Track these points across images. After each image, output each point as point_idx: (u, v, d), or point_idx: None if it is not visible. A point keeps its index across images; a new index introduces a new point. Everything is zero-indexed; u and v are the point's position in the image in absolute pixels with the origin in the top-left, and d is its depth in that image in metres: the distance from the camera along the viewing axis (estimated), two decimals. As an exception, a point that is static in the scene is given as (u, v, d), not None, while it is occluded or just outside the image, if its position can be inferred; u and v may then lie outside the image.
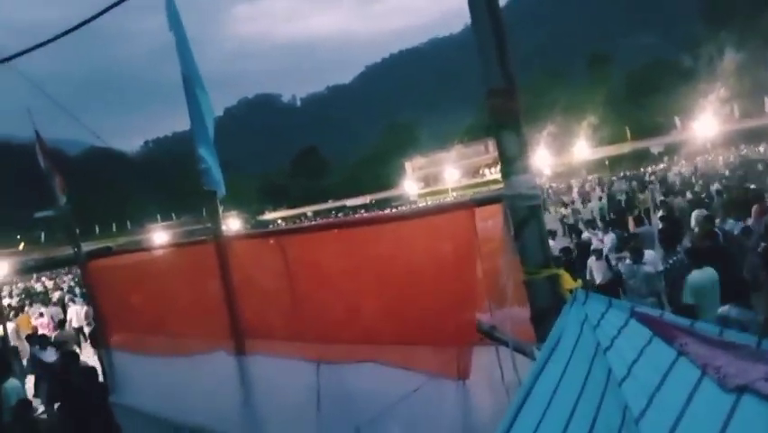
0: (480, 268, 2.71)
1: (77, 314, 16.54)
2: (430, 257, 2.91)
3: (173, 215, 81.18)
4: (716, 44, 60.44)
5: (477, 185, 66.13)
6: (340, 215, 73.84)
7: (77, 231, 6.05)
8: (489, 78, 2.43)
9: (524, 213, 2.45)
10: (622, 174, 48.54)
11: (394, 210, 59.96)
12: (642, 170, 49.07)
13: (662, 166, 48.27)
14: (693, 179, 29.16)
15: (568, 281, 2.47)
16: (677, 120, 57.92)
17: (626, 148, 60.44)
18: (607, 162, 59.78)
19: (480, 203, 2.68)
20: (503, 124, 2.42)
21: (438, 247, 2.87)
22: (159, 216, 79.38)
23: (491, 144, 70.81)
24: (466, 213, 2.68)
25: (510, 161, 2.45)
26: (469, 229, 2.66)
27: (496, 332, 2.56)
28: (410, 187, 75.80)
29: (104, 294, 5.70)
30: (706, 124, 47.27)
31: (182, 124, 4.41)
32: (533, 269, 2.45)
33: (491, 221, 2.63)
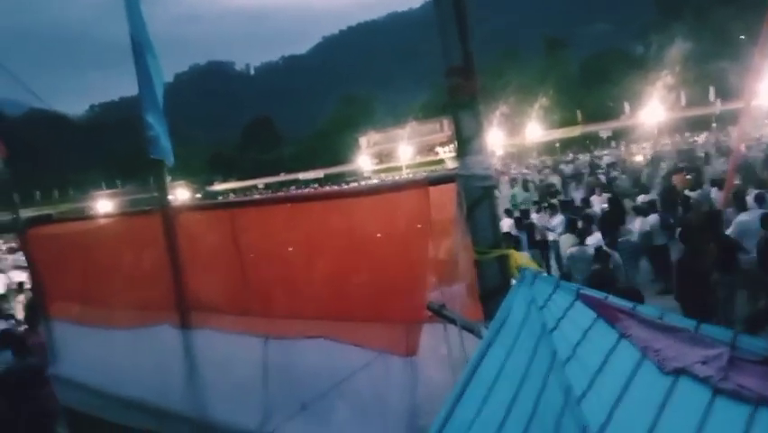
0: (431, 247, 2.72)
1: None
2: (382, 234, 2.91)
3: (118, 182, 78.83)
4: (667, 35, 62.09)
5: (431, 163, 66.60)
6: (292, 188, 73.27)
7: (17, 197, 5.77)
8: (449, 56, 2.41)
9: (477, 193, 2.46)
10: (570, 157, 49.72)
11: (348, 186, 59.90)
12: (590, 153, 50.34)
13: (606, 152, 49.54)
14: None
15: (517, 259, 2.51)
16: (626, 106, 59.51)
17: (576, 131, 61.87)
18: (557, 145, 61.07)
19: (434, 182, 2.68)
20: (460, 103, 2.42)
21: (391, 225, 2.86)
22: (103, 184, 76.95)
23: (446, 123, 71.45)
24: (420, 191, 2.67)
25: (466, 141, 2.45)
26: (422, 208, 2.65)
27: (445, 310, 2.58)
28: (364, 162, 75.69)
29: (44, 263, 5.48)
30: (653, 111, 48.73)
31: (131, 88, 4.23)
32: (483, 249, 2.47)
33: (444, 200, 2.63)
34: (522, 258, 2.42)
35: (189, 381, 3.93)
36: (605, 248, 8.55)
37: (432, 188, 2.65)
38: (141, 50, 4.09)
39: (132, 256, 4.62)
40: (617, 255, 8.46)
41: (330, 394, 2.89)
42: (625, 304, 2.06)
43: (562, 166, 39.58)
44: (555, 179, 28.28)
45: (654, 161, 27.99)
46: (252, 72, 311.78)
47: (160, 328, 4.17)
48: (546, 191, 21.96)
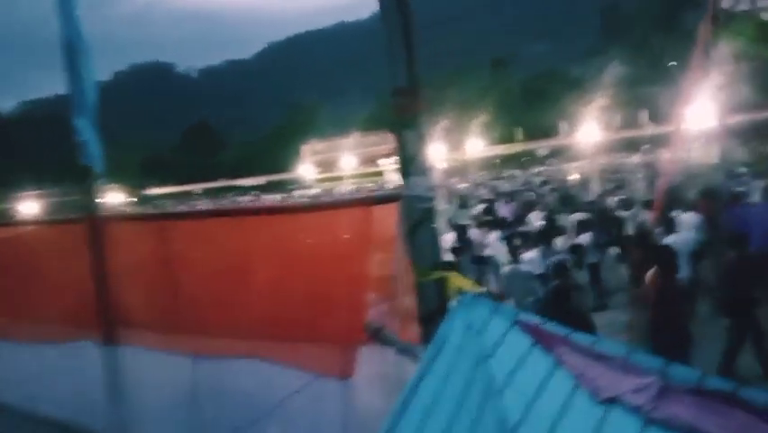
0: (371, 267, 2.67)
1: None
2: (321, 253, 2.84)
3: (48, 183, 75.32)
4: (606, 58, 64.79)
5: (373, 174, 66.78)
6: (231, 195, 71.92)
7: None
8: (395, 77, 2.38)
9: (419, 214, 2.43)
10: (505, 174, 50.97)
11: (289, 194, 59.28)
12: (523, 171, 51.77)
13: (541, 169, 51.01)
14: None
15: (456, 282, 2.49)
16: (563, 125, 61.56)
17: (516, 148, 63.47)
18: (498, 161, 62.46)
19: (377, 201, 2.64)
20: (405, 123, 2.39)
21: (330, 243, 2.80)
22: (30, 185, 73.29)
23: (389, 136, 71.75)
24: (362, 210, 2.63)
25: (410, 161, 2.42)
26: (363, 227, 2.61)
27: (383, 332, 2.53)
28: (307, 171, 75.20)
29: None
30: (588, 131, 50.52)
31: (65, 87, 4.01)
32: (424, 270, 2.44)
33: (386, 220, 2.59)
34: (461, 280, 2.40)
35: (112, 400, 3.73)
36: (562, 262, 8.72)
37: (374, 207, 2.61)
38: (73, 51, 3.89)
39: (53, 267, 4.36)
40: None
41: (262, 419, 2.79)
42: (560, 331, 2.06)
43: (495, 182, 40.66)
44: (490, 196, 28.83)
45: (584, 180, 29.01)
46: (195, 75, 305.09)
47: (81, 344, 3.96)
48: (482, 208, 22.33)
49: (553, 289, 7.19)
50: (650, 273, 6.71)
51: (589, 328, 5.69)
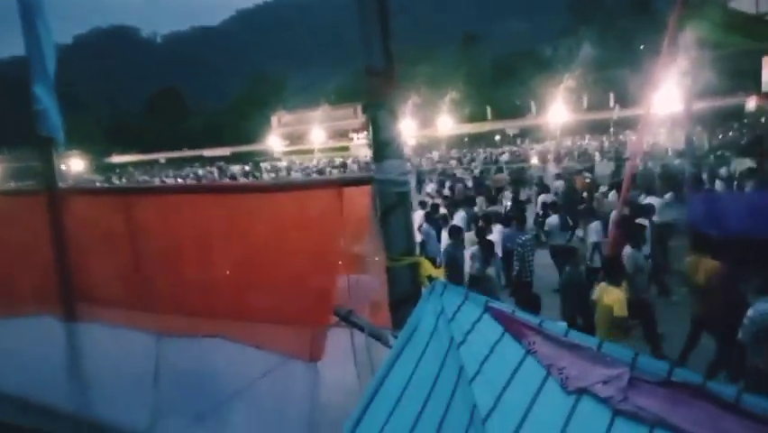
0: (342, 249, 2.63)
1: None
2: (291, 234, 2.78)
3: (4, 149, 72.79)
4: (576, 39, 65.12)
5: (343, 148, 66.40)
6: (196, 165, 70.72)
7: None
8: (369, 56, 2.32)
9: (392, 198, 2.40)
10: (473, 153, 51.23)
11: (255, 165, 58.50)
12: (498, 150, 52.05)
13: (505, 149, 51.41)
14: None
15: (428, 269, 2.47)
16: (533, 105, 61.96)
17: (485, 127, 63.68)
18: (466, 140, 62.65)
19: (349, 183, 2.59)
20: (379, 104, 2.33)
21: (300, 225, 2.74)
22: (-13, 148, 70.77)
23: (360, 109, 71.34)
24: (333, 192, 2.57)
25: (383, 145, 2.38)
26: (334, 209, 2.56)
27: (352, 316, 2.51)
28: (275, 143, 74.28)
29: None
30: (557, 112, 51.00)
31: (22, 47, 3.82)
32: (396, 256, 2.42)
33: (358, 202, 2.55)
34: (432, 268, 2.38)
35: (72, 377, 3.65)
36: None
37: (346, 190, 2.56)
38: (30, 13, 3.70)
39: (12, 240, 4.20)
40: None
41: (229, 401, 2.75)
42: (531, 319, 2.07)
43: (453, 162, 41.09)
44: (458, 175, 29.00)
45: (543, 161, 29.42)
46: (159, 40, 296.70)
47: (41, 319, 3.84)
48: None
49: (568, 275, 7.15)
50: (708, 264, 6.80)
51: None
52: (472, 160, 42.36)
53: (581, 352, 1.91)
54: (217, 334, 2.95)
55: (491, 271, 8.46)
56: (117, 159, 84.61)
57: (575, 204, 13.85)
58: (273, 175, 44.61)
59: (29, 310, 3.94)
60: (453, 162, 41.65)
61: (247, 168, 54.82)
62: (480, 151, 51.88)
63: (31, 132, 3.66)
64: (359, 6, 2.30)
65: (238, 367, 2.83)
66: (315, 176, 36.92)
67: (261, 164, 60.49)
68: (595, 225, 10.32)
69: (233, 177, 44.28)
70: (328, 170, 44.34)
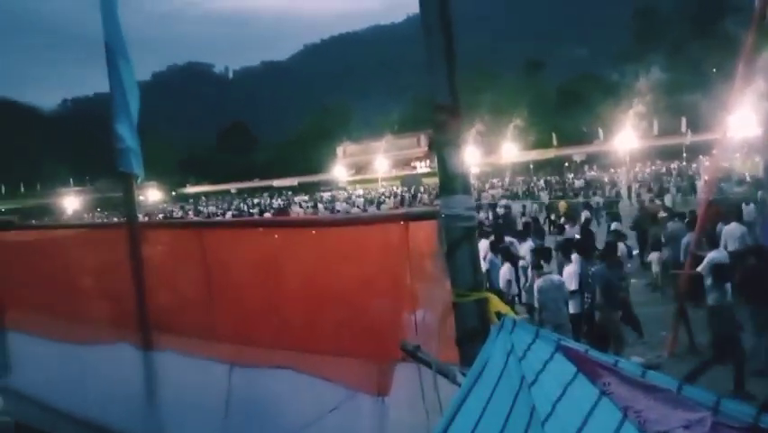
0: (408, 284, 2.63)
1: None
2: (358, 267, 2.81)
3: (87, 179, 77.26)
4: (642, 64, 63.56)
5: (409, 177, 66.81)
6: (265, 194, 72.76)
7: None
8: (436, 93, 2.34)
9: (458, 233, 2.38)
10: (544, 179, 50.41)
11: (323, 194, 59.66)
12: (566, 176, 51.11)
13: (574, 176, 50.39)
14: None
15: (496, 305, 2.43)
16: (600, 131, 60.58)
17: (551, 154, 62.65)
18: (531, 166, 61.79)
19: (415, 217, 2.60)
20: (446, 141, 2.35)
21: (367, 258, 2.77)
22: (71, 181, 75.32)
23: (423, 138, 71.75)
24: (399, 226, 2.59)
25: (450, 180, 2.38)
26: (400, 243, 2.57)
27: (420, 352, 2.49)
28: (340, 172, 75.58)
29: (1, 269, 5.25)
30: (626, 138, 49.64)
31: (105, 85, 4.06)
32: (463, 291, 2.39)
33: (424, 237, 2.55)
34: (500, 304, 2.34)
35: (146, 403, 3.77)
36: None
37: (412, 224, 2.57)
38: (114, 56, 3.93)
39: (95, 270, 4.44)
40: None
41: (295, 431, 2.77)
42: (606, 359, 2.00)
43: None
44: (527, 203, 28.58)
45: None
46: (231, 76, 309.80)
47: (119, 346, 4.01)
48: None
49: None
50: None
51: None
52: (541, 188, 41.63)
53: (660, 394, 1.83)
54: (287, 365, 2.99)
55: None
56: (191, 189, 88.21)
57: (646, 232, 13.37)
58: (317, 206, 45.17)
59: (109, 338, 4.12)
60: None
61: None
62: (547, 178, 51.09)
63: (111, 166, 3.86)
64: (426, 44, 2.33)
65: (307, 399, 2.85)
66: (354, 208, 37.36)
67: (327, 193, 61.58)
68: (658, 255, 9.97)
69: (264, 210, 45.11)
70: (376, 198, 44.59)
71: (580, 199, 26.18)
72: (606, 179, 41.33)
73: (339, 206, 41.51)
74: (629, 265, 11.40)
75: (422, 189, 51.27)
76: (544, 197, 31.83)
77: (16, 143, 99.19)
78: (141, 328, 3.78)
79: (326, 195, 60.20)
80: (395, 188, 58.36)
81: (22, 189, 75.19)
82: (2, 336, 5.40)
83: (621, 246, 10.83)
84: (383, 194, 51.79)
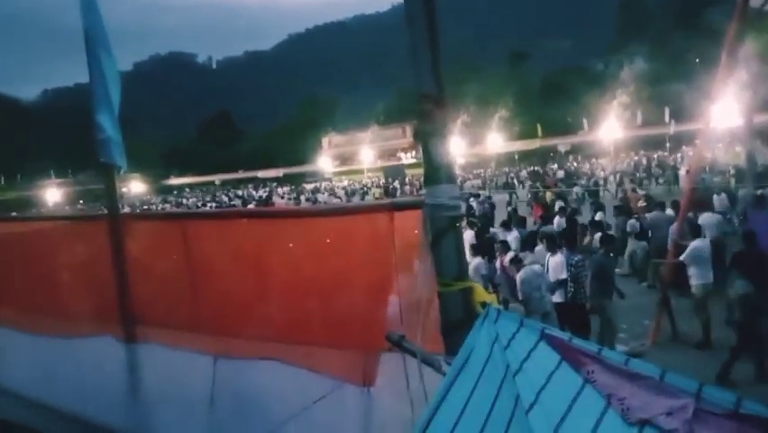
0: (393, 274, 2.63)
1: None
2: (343, 258, 2.80)
3: (69, 171, 76.30)
4: (626, 54, 63.82)
5: (392, 168, 66.71)
6: (250, 186, 72.36)
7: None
8: (420, 82, 2.33)
9: (443, 223, 2.38)
10: (529, 169, 50.62)
11: (308, 185, 59.48)
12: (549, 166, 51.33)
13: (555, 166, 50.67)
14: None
15: (481, 295, 2.44)
16: (584, 122, 60.88)
17: (535, 144, 62.89)
18: (516, 157, 62.00)
19: (400, 207, 2.59)
20: (431, 130, 2.34)
21: (352, 249, 2.76)
22: (53, 173, 74.34)
23: (408, 128, 71.69)
24: (384, 216, 2.58)
25: (435, 169, 2.38)
26: (385, 233, 2.56)
27: (405, 342, 2.49)
28: (325, 163, 75.29)
29: (-21, 263, 5.17)
30: (610, 128, 49.93)
31: (86, 75, 3.99)
32: (447, 281, 2.40)
33: (409, 226, 2.54)
34: (485, 293, 2.35)
35: (130, 396, 3.74)
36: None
37: (397, 214, 2.56)
38: (94, 46, 3.87)
39: (76, 262, 4.38)
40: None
41: (285, 424, 2.76)
42: (590, 347, 2.01)
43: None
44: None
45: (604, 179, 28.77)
46: (214, 66, 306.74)
47: (102, 340, 3.97)
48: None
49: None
50: None
51: None
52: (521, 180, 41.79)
53: (643, 381, 1.84)
54: (272, 357, 2.98)
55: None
56: (174, 181, 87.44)
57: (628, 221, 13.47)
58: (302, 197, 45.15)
59: (92, 331, 4.08)
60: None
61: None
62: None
63: (93, 157, 3.81)
64: (410, 35, 2.32)
65: (293, 390, 2.85)
66: (335, 199, 37.31)
67: (312, 184, 61.38)
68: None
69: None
70: (358, 189, 44.47)
71: (562, 189, 26.35)
72: (588, 169, 41.58)
73: (321, 197, 41.44)
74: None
75: (406, 180, 51.23)
76: (522, 188, 31.87)
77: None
78: (124, 321, 3.74)
79: (310, 186, 59.99)
80: (378, 180, 58.22)
81: (2, 182, 74.10)
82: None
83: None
84: (365, 185, 51.64)
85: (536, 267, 8.51)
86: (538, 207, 19.18)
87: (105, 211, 3.82)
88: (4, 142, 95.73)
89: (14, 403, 4.77)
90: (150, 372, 3.64)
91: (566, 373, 1.94)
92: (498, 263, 10.03)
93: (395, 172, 61.26)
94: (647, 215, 12.94)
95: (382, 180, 56.55)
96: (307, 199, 38.23)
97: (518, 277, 8.37)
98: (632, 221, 13.03)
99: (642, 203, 14.99)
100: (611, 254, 9.29)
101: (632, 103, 57.54)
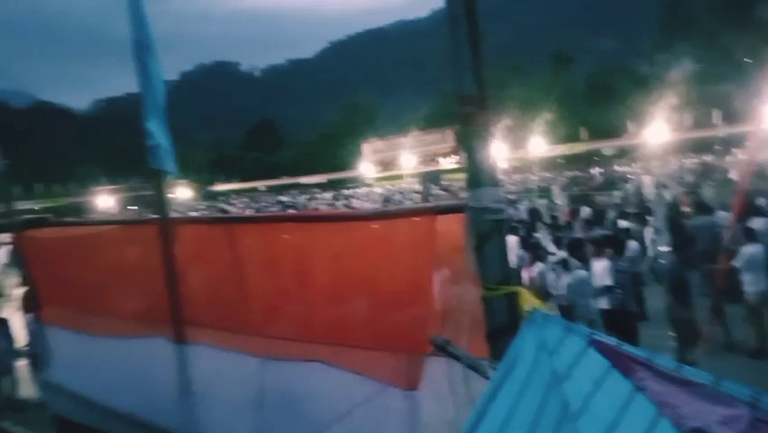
0: (437, 277, 2.63)
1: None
2: (386, 261, 2.82)
3: (120, 178, 78.76)
4: (673, 55, 62.14)
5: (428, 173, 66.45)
6: (294, 191, 73.29)
7: (18, 189, 5.68)
8: (461, 83, 2.32)
9: (487, 226, 2.37)
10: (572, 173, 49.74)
11: (350, 191, 59.91)
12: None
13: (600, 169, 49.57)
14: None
15: (527, 299, 2.41)
16: (630, 124, 59.50)
17: (580, 148, 61.78)
18: (561, 161, 61.02)
19: (442, 211, 2.59)
20: (472, 133, 2.33)
21: (395, 252, 2.77)
22: (105, 179, 76.92)
23: (449, 133, 71.38)
24: (426, 219, 2.59)
25: (477, 172, 2.36)
26: (428, 237, 2.57)
27: (449, 346, 2.48)
28: (367, 169, 75.58)
29: (38, 267, 5.39)
30: (657, 131, 48.62)
31: (136, 85, 4.12)
32: (492, 285, 2.38)
33: (453, 230, 2.54)
34: (531, 297, 2.32)
35: (180, 396, 3.83)
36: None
37: (440, 217, 2.56)
38: (142, 53, 3.99)
39: (129, 265, 4.52)
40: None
41: (330, 426, 2.79)
42: (639, 353, 1.96)
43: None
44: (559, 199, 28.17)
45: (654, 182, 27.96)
46: (258, 74, 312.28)
47: (153, 340, 4.08)
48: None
49: None
50: None
51: None
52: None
53: (696, 389, 1.79)
54: (318, 359, 3.01)
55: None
56: (220, 187, 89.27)
57: (679, 226, 13.07)
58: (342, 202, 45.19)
59: (144, 332, 4.20)
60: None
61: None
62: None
63: (143, 164, 3.92)
64: (451, 37, 2.32)
65: (338, 393, 2.87)
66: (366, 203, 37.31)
67: (354, 190, 61.74)
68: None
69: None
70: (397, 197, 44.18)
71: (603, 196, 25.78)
72: (633, 173, 40.50)
73: (356, 203, 41.54)
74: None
75: (439, 185, 50.71)
76: (559, 193, 31.07)
77: (51, 143, 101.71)
78: (175, 322, 3.84)
79: (348, 192, 60.28)
80: (414, 185, 57.78)
81: (57, 188, 76.90)
82: (41, 331, 5.54)
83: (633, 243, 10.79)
84: (399, 191, 51.31)
85: (583, 272, 8.34)
86: (569, 213, 18.88)
87: (156, 215, 3.92)
88: (57, 150, 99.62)
89: (70, 401, 4.95)
90: (199, 372, 3.72)
91: (615, 380, 1.90)
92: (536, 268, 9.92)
93: (430, 177, 60.69)
94: (693, 219, 12.54)
95: (409, 185, 56.15)
96: (344, 205, 38.43)
97: (565, 282, 8.23)
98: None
99: (689, 207, 14.54)
100: (688, 263, 8.95)
101: (680, 104, 55.94)
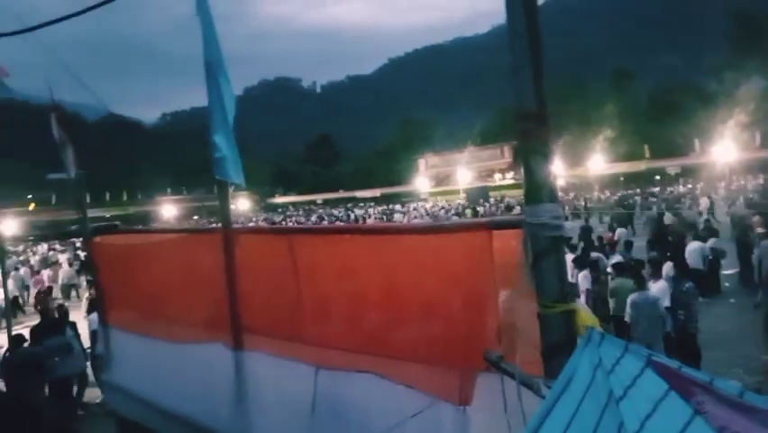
0: (492, 293, 2.62)
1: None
2: (441, 275, 2.83)
3: (184, 189, 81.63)
4: (742, 71, 59.74)
5: (489, 189, 65.92)
6: (349, 205, 74.06)
7: (88, 197, 5.99)
8: (520, 99, 2.33)
9: (544, 243, 2.35)
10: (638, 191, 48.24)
11: (403, 206, 60.08)
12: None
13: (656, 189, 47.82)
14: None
15: (583, 318, 2.38)
16: (696, 143, 57.47)
17: (641, 166, 60.04)
18: (621, 179, 59.45)
19: (499, 226, 2.59)
20: (532, 149, 2.33)
21: (451, 266, 2.78)
22: (169, 189, 79.87)
23: (506, 149, 70.72)
24: (483, 234, 2.59)
25: (536, 188, 2.35)
26: (484, 252, 2.57)
27: (503, 362, 2.47)
28: (422, 184, 75.71)
29: (106, 271, 5.66)
30: (725, 150, 46.78)
31: (201, 99, 4.31)
32: (548, 302, 2.36)
33: (509, 246, 2.54)
34: (587, 316, 2.29)
35: (236, 402, 3.93)
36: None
37: (496, 233, 2.56)
38: (213, 71, 4.16)
39: (191, 272, 4.69)
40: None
41: (378, 436, 2.81)
42: (700, 376, 1.91)
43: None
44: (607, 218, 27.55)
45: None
46: (318, 89, 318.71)
47: (213, 346, 4.20)
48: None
49: None
50: None
51: None
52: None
53: (760, 415, 1.73)
54: (370, 370, 3.04)
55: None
56: (279, 199, 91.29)
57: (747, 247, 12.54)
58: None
59: (203, 337, 4.34)
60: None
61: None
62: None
63: (207, 175, 4.07)
64: (511, 49, 2.32)
65: (389, 405, 2.89)
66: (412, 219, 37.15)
67: (408, 204, 61.86)
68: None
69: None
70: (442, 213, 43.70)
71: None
72: (698, 192, 39.01)
73: (397, 217, 41.61)
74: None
75: (488, 202, 50.01)
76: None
77: (121, 154, 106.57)
78: (234, 329, 3.95)
79: (398, 207, 60.45)
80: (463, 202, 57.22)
81: (125, 197, 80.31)
82: (105, 333, 5.80)
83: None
84: (443, 207, 50.97)
85: (651, 293, 8.10)
86: (610, 235, 18.43)
87: (219, 225, 4.07)
88: (127, 161, 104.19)
89: (130, 401, 5.15)
90: (255, 379, 3.81)
91: (674, 403, 1.86)
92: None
93: (477, 194, 59.61)
94: (762, 242, 11.97)
95: (458, 201, 55.66)
96: (388, 220, 38.53)
97: (630, 299, 8.02)
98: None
99: (761, 228, 13.91)
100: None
101: (749, 123, 53.63)
